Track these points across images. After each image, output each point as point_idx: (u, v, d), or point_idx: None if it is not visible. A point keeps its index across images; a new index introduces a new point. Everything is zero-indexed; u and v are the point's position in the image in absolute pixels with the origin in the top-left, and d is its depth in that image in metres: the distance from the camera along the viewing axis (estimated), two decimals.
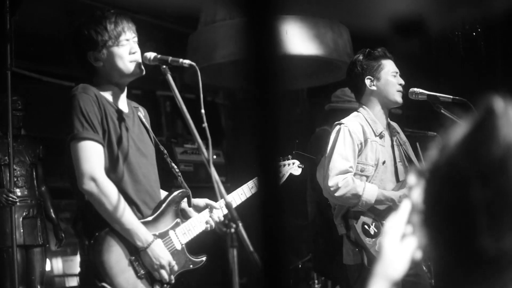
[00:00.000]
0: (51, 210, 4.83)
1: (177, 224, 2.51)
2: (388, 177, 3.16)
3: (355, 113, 3.25)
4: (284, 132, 0.75)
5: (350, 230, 3.08)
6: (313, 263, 4.88)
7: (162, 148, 2.62)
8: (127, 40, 2.43)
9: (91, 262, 2.30)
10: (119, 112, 2.46)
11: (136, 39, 2.47)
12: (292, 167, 2.97)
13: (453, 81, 4.35)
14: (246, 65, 0.71)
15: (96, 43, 2.40)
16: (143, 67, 2.44)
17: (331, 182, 3.04)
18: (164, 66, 2.30)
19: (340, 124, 3.16)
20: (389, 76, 3.19)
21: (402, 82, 3.20)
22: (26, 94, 4.89)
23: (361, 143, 3.11)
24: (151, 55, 2.36)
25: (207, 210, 2.58)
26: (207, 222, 2.55)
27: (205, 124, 2.03)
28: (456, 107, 2.95)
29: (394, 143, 3.23)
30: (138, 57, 2.43)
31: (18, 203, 4.34)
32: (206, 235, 2.57)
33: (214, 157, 5.71)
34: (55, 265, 6.46)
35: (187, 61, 2.28)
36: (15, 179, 4.47)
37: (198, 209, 2.61)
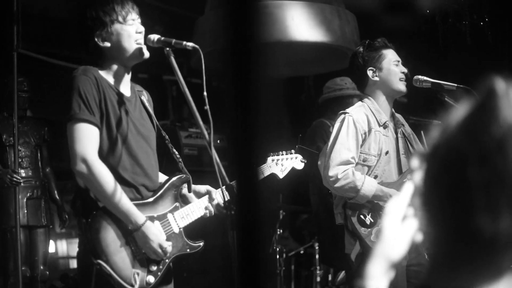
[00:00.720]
0: (55, 192, 4.85)
1: (176, 208, 2.51)
2: (392, 168, 3.15)
3: (359, 102, 3.24)
4: (260, 122, 0.72)
5: (347, 219, 3.09)
6: (319, 254, 4.90)
7: (164, 133, 2.61)
8: (133, 20, 2.44)
9: (87, 239, 2.31)
10: (120, 95, 2.45)
11: (139, 20, 2.47)
12: (295, 161, 2.97)
13: (459, 70, 4.33)
14: (221, 54, 0.70)
15: (104, 23, 2.40)
16: (144, 51, 2.44)
17: (331, 172, 3.04)
18: (168, 49, 2.29)
19: (344, 113, 3.15)
20: (391, 66, 3.18)
21: (405, 70, 3.19)
22: (33, 76, 4.89)
23: (365, 133, 3.10)
24: (154, 37, 2.35)
25: (207, 196, 2.58)
26: (206, 208, 2.55)
27: (207, 107, 2.03)
28: (461, 95, 2.93)
29: (399, 135, 3.22)
30: (143, 36, 2.43)
31: (22, 184, 4.36)
32: (207, 218, 2.57)
33: (218, 141, 5.71)
34: (59, 246, 6.51)
35: (190, 44, 2.27)
36: (20, 160, 4.48)
37: (199, 195, 2.61)
